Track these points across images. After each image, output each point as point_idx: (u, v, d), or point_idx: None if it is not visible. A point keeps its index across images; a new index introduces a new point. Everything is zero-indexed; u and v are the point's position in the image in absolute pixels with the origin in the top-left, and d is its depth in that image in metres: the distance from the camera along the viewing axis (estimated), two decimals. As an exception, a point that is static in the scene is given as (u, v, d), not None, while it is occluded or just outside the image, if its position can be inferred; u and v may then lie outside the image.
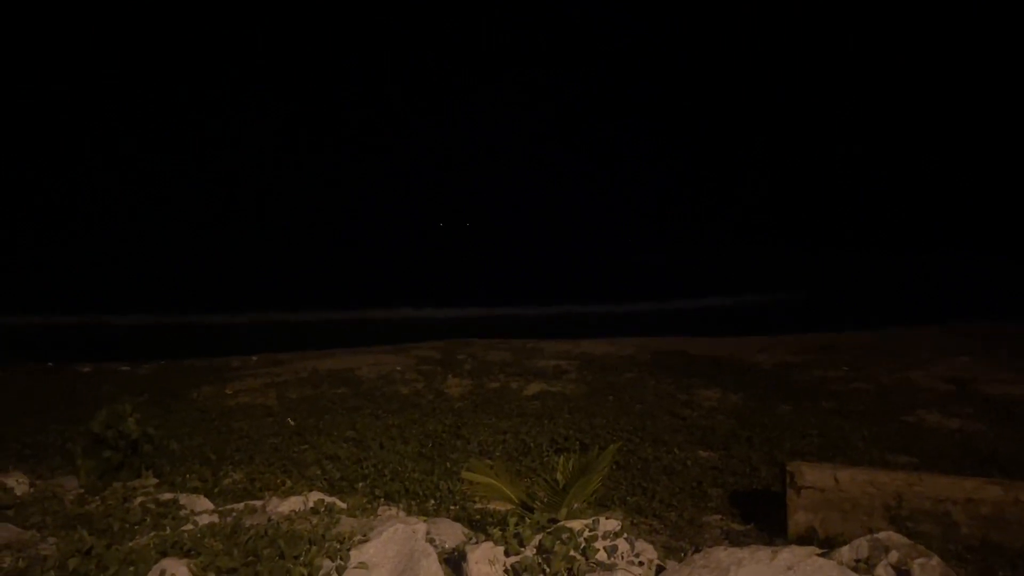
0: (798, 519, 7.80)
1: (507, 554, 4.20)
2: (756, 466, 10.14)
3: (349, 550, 4.02)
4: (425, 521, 4.88)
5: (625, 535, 4.43)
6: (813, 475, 7.83)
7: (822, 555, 4.15)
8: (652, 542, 5.69)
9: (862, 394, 14.75)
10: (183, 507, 5.53)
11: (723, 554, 4.02)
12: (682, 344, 22.07)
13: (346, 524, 4.91)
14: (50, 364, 20.16)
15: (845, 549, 4.32)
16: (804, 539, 7.48)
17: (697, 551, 4.31)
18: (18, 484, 6.79)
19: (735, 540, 7.59)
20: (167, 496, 5.79)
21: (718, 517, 8.54)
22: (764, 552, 4.02)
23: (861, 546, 4.31)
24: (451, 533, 5.33)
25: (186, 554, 4.19)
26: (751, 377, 16.59)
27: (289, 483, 8.85)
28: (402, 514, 5.93)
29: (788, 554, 3.98)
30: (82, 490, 6.61)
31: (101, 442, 6.96)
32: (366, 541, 4.13)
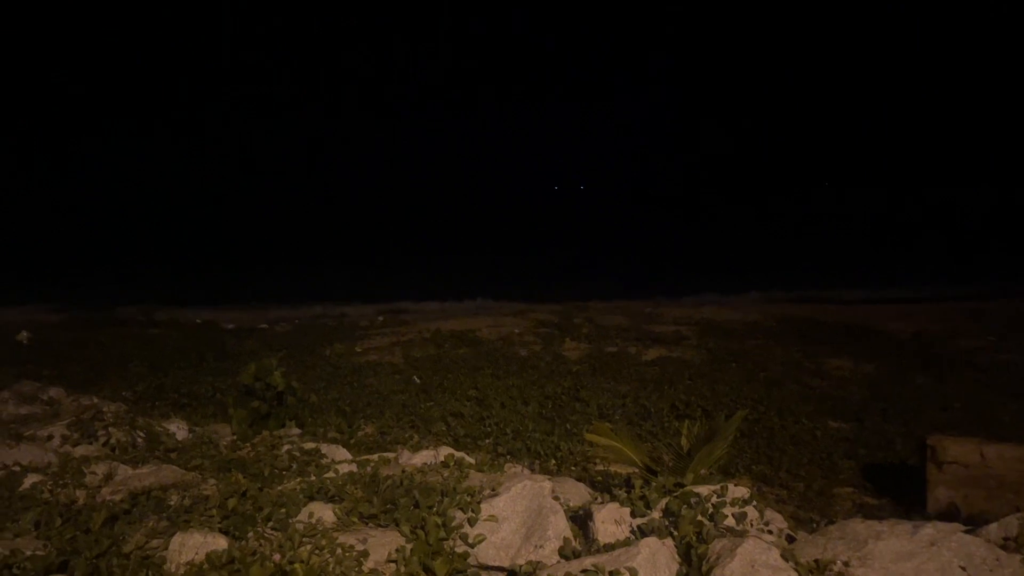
0: (938, 495, 7.42)
1: (633, 515, 4.24)
2: (891, 439, 9.68)
3: (479, 503, 4.18)
4: (550, 479, 4.99)
5: (754, 503, 4.36)
6: (957, 450, 7.40)
7: (967, 531, 3.93)
8: (779, 512, 5.58)
9: (1011, 366, 13.68)
10: (324, 456, 5.92)
11: (860, 526, 3.88)
12: (809, 311, 21.14)
13: (475, 478, 5.10)
14: (198, 321, 21.82)
15: (993, 526, 4.06)
16: (944, 516, 7.10)
17: (831, 522, 4.20)
18: (179, 430, 7.47)
19: (868, 514, 7.31)
20: (310, 445, 6.20)
21: (849, 490, 8.24)
22: (904, 526, 3.86)
23: (1010, 524, 4.04)
24: (575, 492, 5.42)
25: (330, 499, 4.49)
26: (887, 346, 15.73)
27: (417, 438, 9.25)
28: (527, 471, 6.09)
29: (931, 530, 3.80)
30: (234, 437, 7.18)
31: (250, 393, 7.52)
32: (495, 495, 4.27)
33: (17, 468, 5.53)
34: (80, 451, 6.40)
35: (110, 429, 6.90)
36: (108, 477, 5.33)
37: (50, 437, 6.64)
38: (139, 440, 6.88)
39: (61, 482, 5.06)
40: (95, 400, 8.42)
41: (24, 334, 16.80)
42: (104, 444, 6.71)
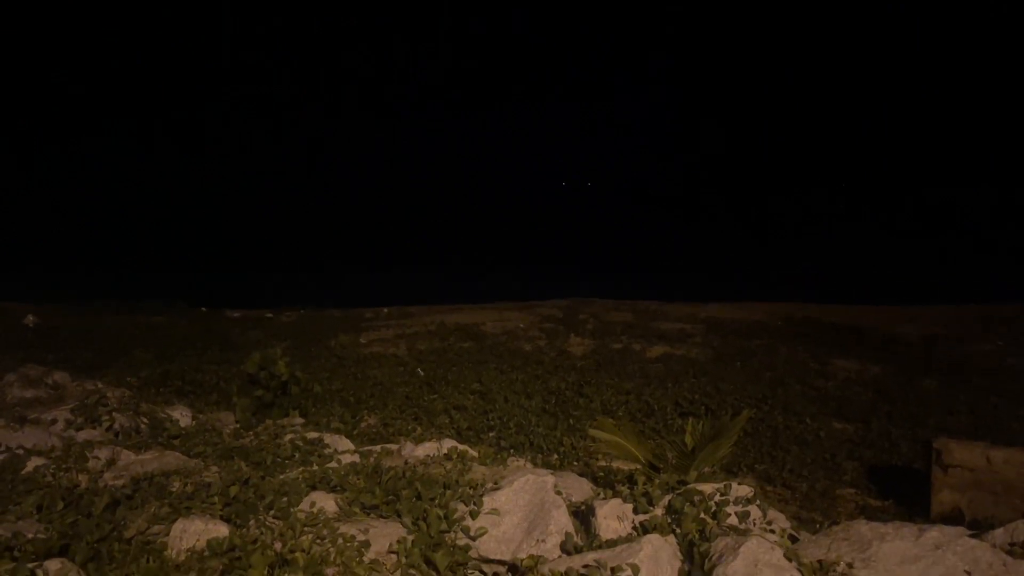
0: (943, 499, 7.38)
1: (636, 512, 4.22)
2: (896, 441, 9.64)
3: (482, 496, 4.16)
4: (553, 474, 4.97)
5: (758, 502, 4.34)
6: (962, 454, 7.36)
7: (973, 536, 3.90)
8: (782, 512, 5.55)
9: (1020, 372, 13.60)
10: (327, 446, 5.91)
11: (864, 528, 3.85)
12: (816, 311, 21.03)
13: (478, 471, 5.09)
14: (204, 309, 21.85)
15: (999, 531, 4.03)
16: (949, 520, 7.06)
17: (835, 523, 4.17)
18: (182, 417, 7.48)
19: (872, 515, 7.28)
20: (313, 435, 6.19)
21: (853, 491, 8.21)
22: (909, 529, 3.82)
23: (1017, 529, 4.00)
24: (577, 487, 5.40)
25: (332, 489, 4.48)
26: (894, 348, 15.65)
27: (420, 430, 9.25)
28: (529, 465, 6.07)
29: (936, 533, 3.77)
30: (237, 425, 7.18)
31: (254, 382, 7.53)
32: (497, 489, 4.25)
33: (21, 451, 5.54)
34: (83, 435, 6.40)
35: (114, 414, 6.90)
36: (111, 462, 5.33)
37: (54, 421, 6.65)
38: (142, 426, 6.89)
39: (64, 466, 5.06)
40: (99, 385, 8.42)
41: (31, 318, 16.86)
42: (108, 429, 6.71)
